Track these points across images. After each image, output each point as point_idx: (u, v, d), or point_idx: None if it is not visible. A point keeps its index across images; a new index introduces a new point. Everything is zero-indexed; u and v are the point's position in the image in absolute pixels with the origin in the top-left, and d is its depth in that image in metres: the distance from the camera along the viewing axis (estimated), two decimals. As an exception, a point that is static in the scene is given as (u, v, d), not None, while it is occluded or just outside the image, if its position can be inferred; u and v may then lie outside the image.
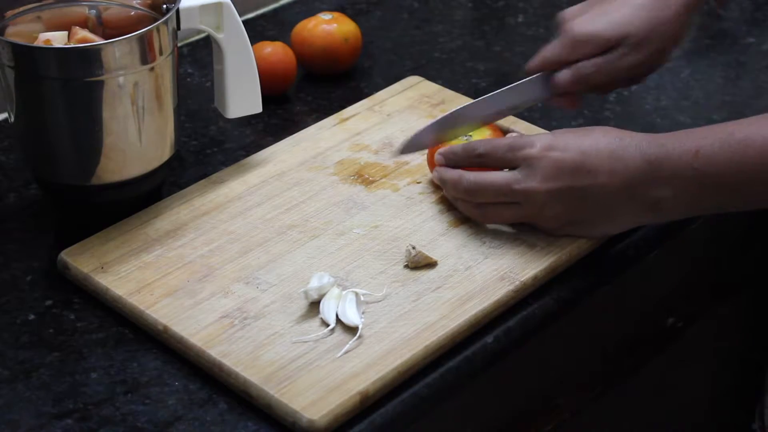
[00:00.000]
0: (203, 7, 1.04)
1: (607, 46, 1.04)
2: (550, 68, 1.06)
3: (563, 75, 1.05)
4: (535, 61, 1.07)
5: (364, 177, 1.09)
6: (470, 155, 1.01)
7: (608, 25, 1.03)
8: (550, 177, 0.96)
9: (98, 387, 0.90)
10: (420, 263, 0.98)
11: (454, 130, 1.07)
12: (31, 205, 1.09)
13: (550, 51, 1.06)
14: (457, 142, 1.05)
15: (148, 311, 0.94)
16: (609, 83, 1.07)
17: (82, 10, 1.05)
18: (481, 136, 1.06)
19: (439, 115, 1.11)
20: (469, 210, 1.02)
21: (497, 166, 1.00)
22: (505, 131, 1.11)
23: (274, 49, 1.24)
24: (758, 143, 0.92)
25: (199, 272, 0.98)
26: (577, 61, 1.05)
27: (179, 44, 1.06)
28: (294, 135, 1.15)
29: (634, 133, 0.97)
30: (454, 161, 1.02)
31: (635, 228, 1.05)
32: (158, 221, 1.03)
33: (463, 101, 1.19)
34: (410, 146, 1.08)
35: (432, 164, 1.05)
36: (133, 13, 1.06)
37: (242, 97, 1.09)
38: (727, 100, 1.26)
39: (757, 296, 1.32)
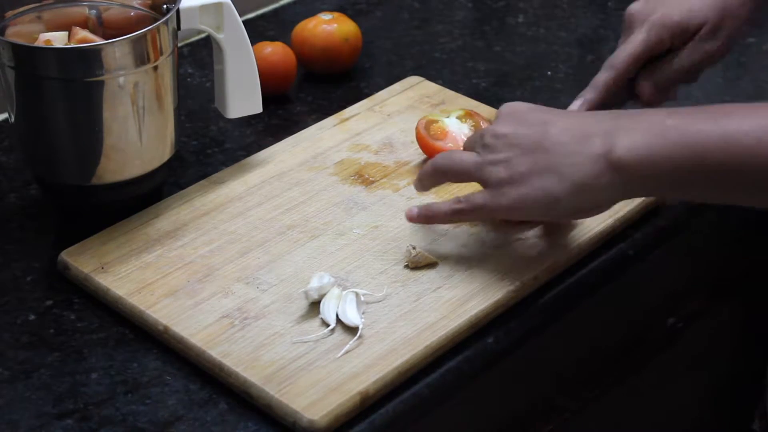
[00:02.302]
0: (203, 7, 1.04)
1: (688, 35, 1.03)
2: (638, 65, 1.04)
3: (645, 89, 1.05)
4: (621, 58, 1.04)
5: (364, 177, 1.09)
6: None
7: (689, 14, 1.03)
8: (510, 123, 0.93)
9: (98, 387, 0.90)
10: (420, 263, 0.98)
11: None
12: (31, 205, 1.09)
13: (634, 47, 1.03)
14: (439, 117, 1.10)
15: (148, 311, 0.94)
16: (683, 76, 1.06)
17: (82, 11, 1.05)
18: (464, 118, 1.10)
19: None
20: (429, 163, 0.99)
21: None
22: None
23: (275, 49, 1.24)
24: (750, 137, 0.84)
25: (200, 272, 0.98)
26: (660, 54, 1.04)
27: (179, 44, 1.06)
28: (294, 135, 1.15)
29: None
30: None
31: (635, 228, 1.05)
32: (158, 221, 1.03)
33: (464, 101, 1.19)
34: None
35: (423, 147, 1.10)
36: (133, 13, 1.06)
37: (242, 97, 1.09)
38: (727, 100, 1.25)
39: (756, 296, 1.33)
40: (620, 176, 0.88)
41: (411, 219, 0.98)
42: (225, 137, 1.19)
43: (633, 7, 1.05)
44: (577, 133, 0.90)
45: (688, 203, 1.09)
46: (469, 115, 1.11)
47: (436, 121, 1.11)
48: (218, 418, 0.87)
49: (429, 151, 1.09)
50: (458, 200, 0.95)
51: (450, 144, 1.08)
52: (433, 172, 0.98)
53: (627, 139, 0.87)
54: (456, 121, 1.11)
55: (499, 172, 0.92)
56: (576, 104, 1.04)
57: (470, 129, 1.10)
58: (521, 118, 0.94)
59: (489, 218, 1.00)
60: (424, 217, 0.98)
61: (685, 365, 1.26)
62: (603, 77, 1.04)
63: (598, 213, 0.93)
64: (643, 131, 0.87)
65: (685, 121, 0.87)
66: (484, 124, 1.10)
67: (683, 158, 0.86)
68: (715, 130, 0.85)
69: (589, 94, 1.04)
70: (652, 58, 1.05)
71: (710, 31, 1.03)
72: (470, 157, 0.95)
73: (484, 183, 0.93)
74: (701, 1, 1.03)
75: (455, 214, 0.96)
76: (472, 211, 0.95)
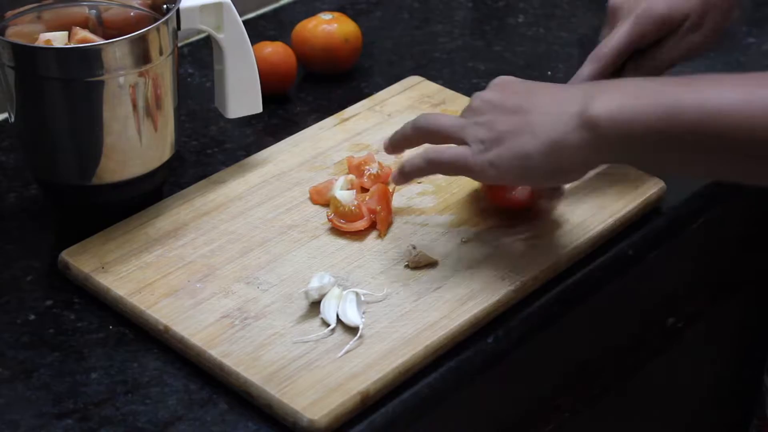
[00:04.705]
0: (203, 7, 1.04)
1: (672, 27, 1.03)
2: (622, 58, 1.04)
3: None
4: (605, 51, 1.04)
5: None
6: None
7: (672, 6, 1.03)
8: (494, 89, 0.95)
9: (98, 387, 0.90)
10: (420, 263, 0.98)
11: None
12: (31, 205, 1.09)
13: (618, 40, 1.04)
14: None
15: (148, 311, 0.94)
16: (668, 68, 1.06)
17: (82, 10, 1.05)
18: None
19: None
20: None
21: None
22: None
23: (275, 49, 1.24)
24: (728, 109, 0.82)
25: (200, 272, 0.98)
26: (644, 46, 1.04)
27: (179, 44, 1.06)
28: (294, 135, 1.15)
29: None
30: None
31: (635, 228, 1.05)
32: (159, 221, 1.03)
33: (464, 101, 1.19)
34: None
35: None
36: (133, 13, 1.06)
37: (242, 97, 1.09)
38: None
39: (757, 296, 1.33)
40: (593, 134, 0.86)
41: (394, 180, 0.99)
42: (225, 137, 1.19)
43: (613, 1, 1.06)
44: (557, 97, 0.91)
45: (689, 204, 1.09)
46: None
47: None
48: (218, 418, 0.87)
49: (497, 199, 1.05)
50: (434, 149, 0.95)
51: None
52: (412, 130, 0.97)
53: (603, 99, 0.87)
54: None
55: (479, 131, 0.92)
56: None
57: None
58: (509, 87, 0.95)
59: (465, 176, 0.96)
60: (403, 175, 0.98)
61: (685, 365, 1.26)
62: (587, 70, 1.04)
63: (575, 178, 0.93)
64: (620, 92, 0.87)
65: (663, 84, 0.87)
66: None
67: (656, 117, 0.84)
68: (693, 95, 0.83)
69: None
70: (636, 51, 1.05)
71: (694, 23, 1.04)
72: (454, 119, 0.95)
73: (464, 142, 0.94)
74: None
75: (430, 164, 0.95)
76: (448, 163, 0.94)
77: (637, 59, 1.06)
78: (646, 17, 1.03)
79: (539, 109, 0.90)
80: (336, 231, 1.02)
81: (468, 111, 0.95)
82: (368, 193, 1.05)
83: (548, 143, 0.89)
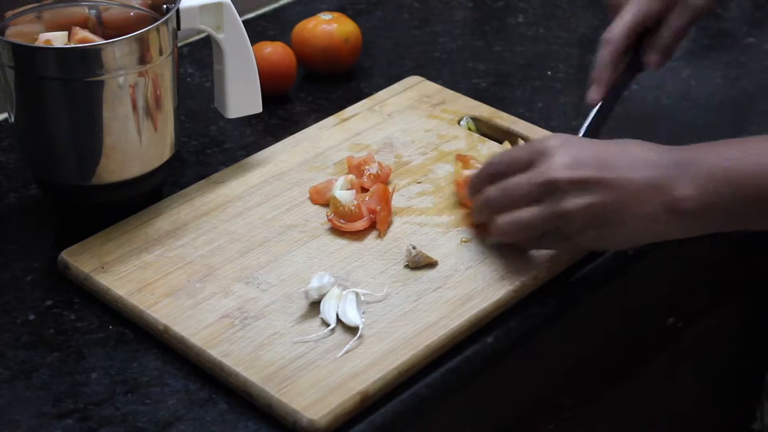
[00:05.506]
0: (203, 7, 1.04)
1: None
2: (633, 37, 1.09)
3: (652, 58, 1.10)
4: (616, 32, 1.08)
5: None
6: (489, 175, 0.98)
7: None
8: (569, 166, 0.92)
9: (98, 387, 0.90)
10: (420, 263, 0.98)
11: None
12: (31, 205, 1.09)
13: (627, 20, 1.08)
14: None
15: (148, 311, 0.94)
16: (681, 36, 1.11)
17: (82, 11, 1.05)
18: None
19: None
20: (495, 225, 0.96)
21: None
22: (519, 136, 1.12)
23: (274, 49, 1.24)
24: None
25: (200, 272, 0.98)
26: (651, 23, 1.09)
27: (179, 44, 1.06)
28: (294, 135, 1.15)
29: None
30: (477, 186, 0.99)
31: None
32: (159, 221, 1.03)
33: (464, 101, 1.19)
34: None
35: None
36: (133, 13, 1.06)
37: (242, 97, 1.09)
38: (727, 100, 1.26)
39: (757, 296, 1.32)
40: (681, 221, 0.91)
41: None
42: (225, 137, 1.19)
43: None
44: (641, 183, 0.91)
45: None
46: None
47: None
48: (218, 418, 0.87)
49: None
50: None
51: None
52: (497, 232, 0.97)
53: (686, 189, 0.90)
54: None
55: (572, 224, 0.92)
56: (593, 92, 1.08)
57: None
58: (579, 157, 0.93)
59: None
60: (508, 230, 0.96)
61: (685, 365, 1.26)
62: (604, 53, 1.08)
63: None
64: (700, 185, 0.90)
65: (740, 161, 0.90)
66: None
67: (745, 203, 0.90)
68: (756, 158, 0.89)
69: (600, 74, 1.08)
70: (644, 29, 1.10)
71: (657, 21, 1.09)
72: (535, 211, 0.94)
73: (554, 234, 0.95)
74: None
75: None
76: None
77: (650, 36, 1.10)
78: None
79: (631, 196, 0.91)
80: (336, 231, 1.02)
81: (545, 188, 0.92)
82: (368, 193, 1.05)
83: (644, 233, 0.92)
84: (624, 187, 0.91)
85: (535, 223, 0.94)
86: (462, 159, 1.08)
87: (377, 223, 1.02)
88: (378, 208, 1.02)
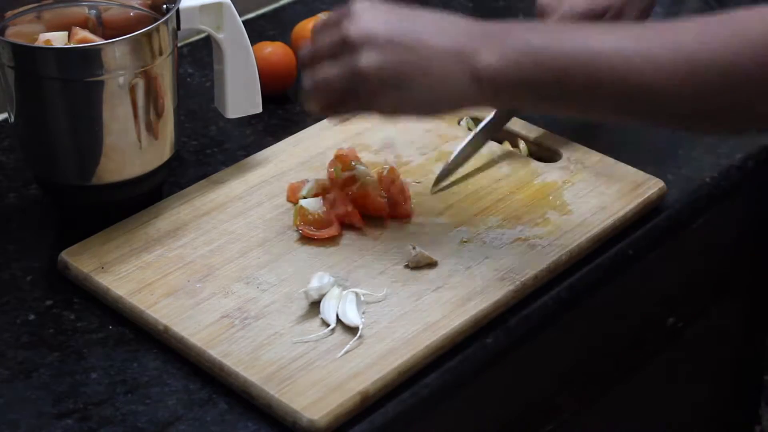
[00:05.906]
0: (203, 7, 1.04)
1: (595, 20, 1.06)
2: None
3: None
4: None
5: (364, 177, 1.09)
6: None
7: (593, 2, 1.07)
8: (368, 24, 0.90)
9: (98, 387, 0.90)
10: (420, 263, 0.98)
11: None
12: (31, 205, 1.09)
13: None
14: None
15: (148, 311, 0.94)
16: None
17: (82, 11, 1.05)
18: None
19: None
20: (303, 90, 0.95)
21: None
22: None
23: (274, 49, 1.24)
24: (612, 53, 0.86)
25: (200, 272, 0.98)
26: None
27: (179, 44, 1.06)
28: (294, 135, 1.15)
29: None
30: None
31: (635, 227, 1.05)
32: (159, 221, 1.03)
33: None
34: (443, 175, 1.09)
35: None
36: (133, 13, 1.06)
37: (242, 97, 1.09)
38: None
39: (757, 296, 1.32)
40: (482, 89, 0.88)
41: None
42: (225, 137, 1.19)
43: (541, 0, 1.09)
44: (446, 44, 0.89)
45: (689, 204, 1.09)
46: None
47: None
48: (218, 418, 0.87)
49: None
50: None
51: None
52: (314, 92, 0.94)
53: (489, 57, 0.88)
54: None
55: (367, 83, 0.90)
56: None
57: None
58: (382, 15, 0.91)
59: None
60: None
61: (685, 365, 1.26)
62: None
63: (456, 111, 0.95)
64: (502, 56, 0.88)
65: (552, 32, 0.90)
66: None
67: (545, 80, 0.87)
68: (577, 48, 0.86)
69: None
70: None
71: (615, 15, 1.07)
72: (338, 72, 0.91)
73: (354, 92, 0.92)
74: None
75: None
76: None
77: None
78: (571, 15, 1.07)
79: (434, 58, 0.89)
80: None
81: (348, 40, 0.90)
82: (352, 187, 1.04)
83: (450, 100, 0.90)
84: (422, 50, 0.89)
85: (331, 81, 0.92)
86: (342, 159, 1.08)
87: (352, 222, 1.01)
88: (349, 209, 1.02)
